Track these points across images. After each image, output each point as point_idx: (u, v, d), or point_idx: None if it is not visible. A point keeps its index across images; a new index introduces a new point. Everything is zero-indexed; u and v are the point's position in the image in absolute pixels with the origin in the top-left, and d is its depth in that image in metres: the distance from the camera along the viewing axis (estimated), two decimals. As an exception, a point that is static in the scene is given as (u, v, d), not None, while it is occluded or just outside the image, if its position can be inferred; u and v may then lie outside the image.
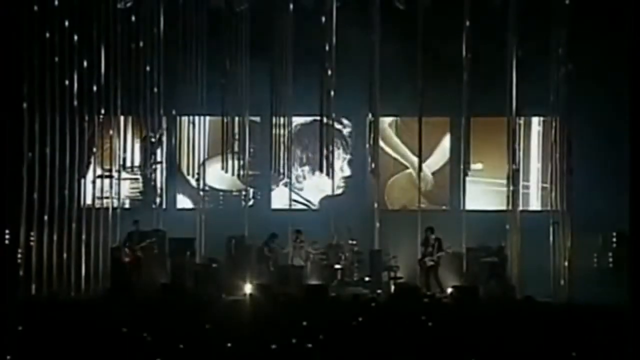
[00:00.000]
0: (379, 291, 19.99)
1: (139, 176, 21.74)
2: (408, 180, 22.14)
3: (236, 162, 21.58)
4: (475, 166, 21.48)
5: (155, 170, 21.58)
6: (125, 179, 21.53)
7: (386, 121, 22.04)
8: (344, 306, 17.53)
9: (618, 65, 19.42)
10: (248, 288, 19.12)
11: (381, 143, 21.83)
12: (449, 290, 19.30)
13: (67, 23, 19.78)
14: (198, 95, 21.16)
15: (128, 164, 21.47)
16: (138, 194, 21.83)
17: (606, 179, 19.63)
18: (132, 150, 21.53)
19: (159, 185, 21.65)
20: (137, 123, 21.44)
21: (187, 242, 20.95)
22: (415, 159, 21.75)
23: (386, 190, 22.17)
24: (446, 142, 22.17)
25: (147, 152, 21.59)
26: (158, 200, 21.58)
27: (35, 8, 19.38)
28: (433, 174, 22.14)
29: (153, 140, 21.50)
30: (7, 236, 19.83)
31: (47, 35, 19.61)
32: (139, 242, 19.99)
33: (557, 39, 20.36)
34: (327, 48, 20.98)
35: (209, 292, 19.16)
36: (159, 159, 21.57)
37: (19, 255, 19.58)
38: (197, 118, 21.75)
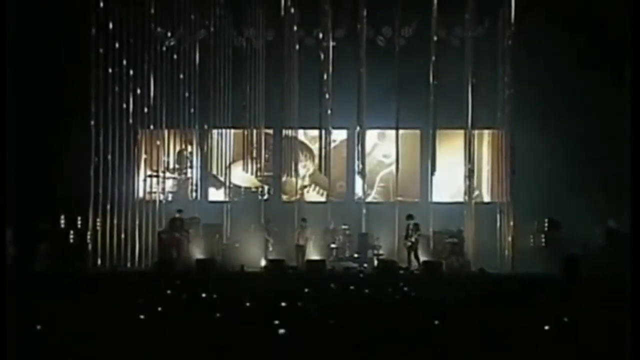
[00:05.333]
0: (365, 265, 19.90)
1: (179, 176, 21.65)
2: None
3: (254, 165, 21.54)
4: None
5: (187, 172, 21.51)
6: (168, 178, 21.39)
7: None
8: (338, 277, 17.53)
9: (552, 89, 19.53)
10: (263, 262, 19.06)
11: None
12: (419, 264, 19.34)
13: (125, 61, 19.78)
14: (225, 113, 21.10)
15: (170, 167, 21.43)
16: (179, 190, 21.71)
17: (540, 177, 19.59)
18: (173, 156, 21.47)
19: (194, 182, 21.54)
20: (178, 135, 21.42)
21: (216, 227, 20.89)
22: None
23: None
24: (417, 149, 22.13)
25: (183, 158, 21.57)
26: (194, 194, 21.50)
27: (101, 50, 19.39)
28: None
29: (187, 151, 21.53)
30: (79, 221, 19.91)
31: (110, 70, 19.61)
32: (181, 227, 19.93)
33: (502, 70, 20.32)
34: (325, 77, 20.98)
35: (233, 265, 19.13)
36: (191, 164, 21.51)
37: (88, 236, 19.62)
38: (224, 131, 21.66)
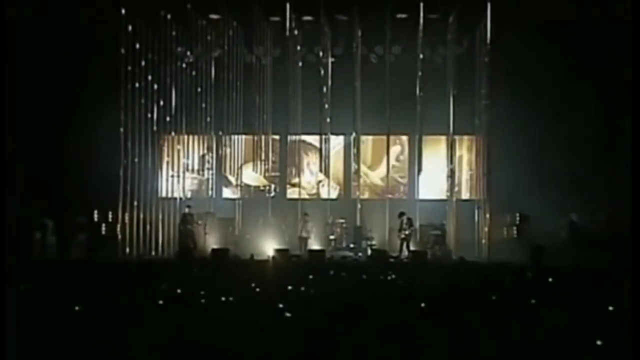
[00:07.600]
0: (360, 254, 19.99)
1: (196, 176, 21.72)
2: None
3: (263, 167, 21.62)
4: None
5: (204, 172, 21.55)
6: (187, 178, 21.46)
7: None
8: (336, 264, 17.60)
9: (523, 100, 19.54)
10: (271, 252, 19.15)
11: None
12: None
13: (150, 77, 19.85)
14: (237, 120, 21.16)
15: (189, 168, 21.49)
16: (196, 188, 21.77)
17: (513, 177, 19.61)
18: (192, 159, 21.53)
19: (210, 182, 21.59)
20: (196, 141, 21.49)
21: (229, 221, 20.93)
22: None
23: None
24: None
25: (201, 161, 21.62)
26: (210, 192, 21.56)
27: (129, 68, 19.43)
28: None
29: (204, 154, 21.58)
30: (110, 216, 19.88)
31: (137, 84, 19.66)
32: (192, 221, 19.99)
33: (479, 83, 20.40)
34: (324, 89, 21.08)
35: (244, 254, 19.15)
36: (207, 165, 21.56)
37: (118, 229, 19.59)
38: (236, 136, 21.73)
